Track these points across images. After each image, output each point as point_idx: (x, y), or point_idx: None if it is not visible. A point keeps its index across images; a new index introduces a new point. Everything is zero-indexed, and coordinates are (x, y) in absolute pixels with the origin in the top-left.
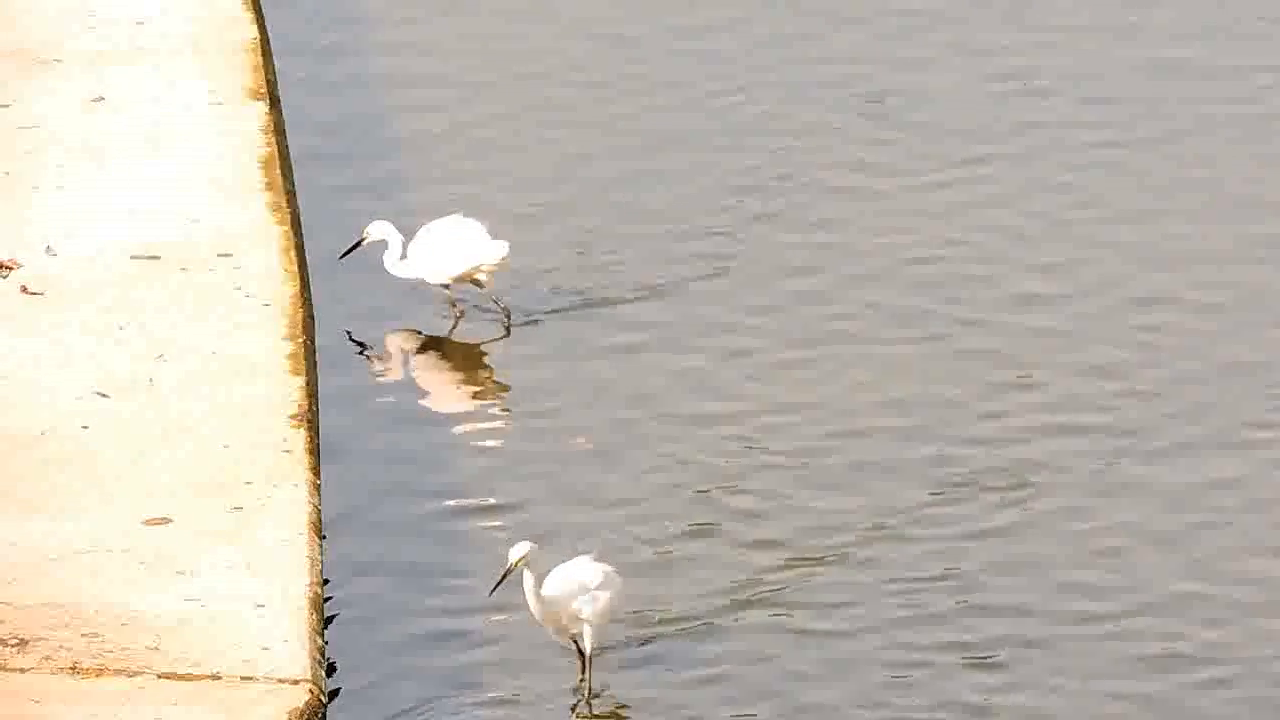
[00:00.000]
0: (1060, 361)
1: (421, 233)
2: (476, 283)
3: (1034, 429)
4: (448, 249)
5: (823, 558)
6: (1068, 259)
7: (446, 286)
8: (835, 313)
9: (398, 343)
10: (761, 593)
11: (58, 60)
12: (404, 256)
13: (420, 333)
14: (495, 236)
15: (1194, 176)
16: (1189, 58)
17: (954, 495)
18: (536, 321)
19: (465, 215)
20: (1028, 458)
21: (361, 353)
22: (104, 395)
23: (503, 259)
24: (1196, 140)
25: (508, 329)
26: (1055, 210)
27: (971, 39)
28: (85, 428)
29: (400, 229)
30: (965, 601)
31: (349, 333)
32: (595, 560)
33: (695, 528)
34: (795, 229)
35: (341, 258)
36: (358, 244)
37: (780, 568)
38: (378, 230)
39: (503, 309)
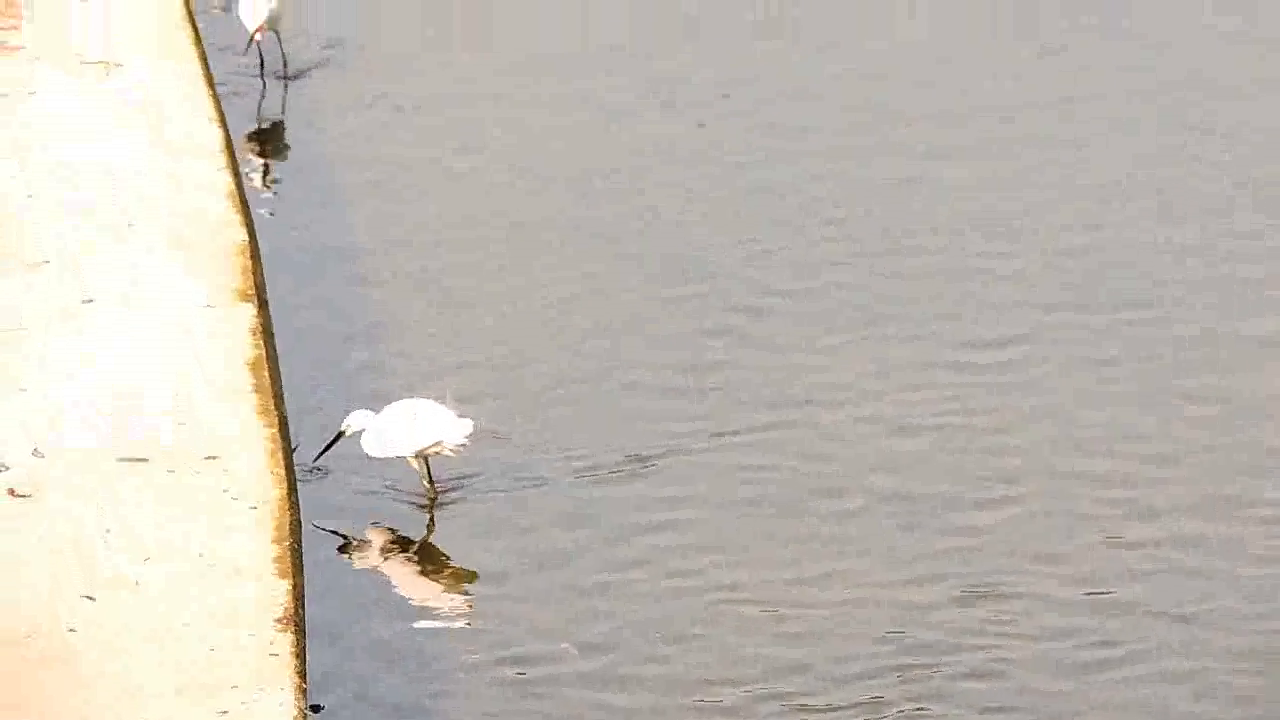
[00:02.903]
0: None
1: (388, 410)
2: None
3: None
4: (414, 426)
5: None
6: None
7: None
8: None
9: (379, 534)
10: None
11: (45, 262)
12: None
13: (401, 533)
14: (462, 416)
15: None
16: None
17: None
18: (526, 489)
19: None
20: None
21: (344, 548)
22: (90, 598)
23: (467, 437)
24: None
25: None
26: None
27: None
28: (71, 630)
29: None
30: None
31: (334, 531)
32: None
33: None
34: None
35: (318, 458)
36: (338, 437)
37: None
38: (358, 420)
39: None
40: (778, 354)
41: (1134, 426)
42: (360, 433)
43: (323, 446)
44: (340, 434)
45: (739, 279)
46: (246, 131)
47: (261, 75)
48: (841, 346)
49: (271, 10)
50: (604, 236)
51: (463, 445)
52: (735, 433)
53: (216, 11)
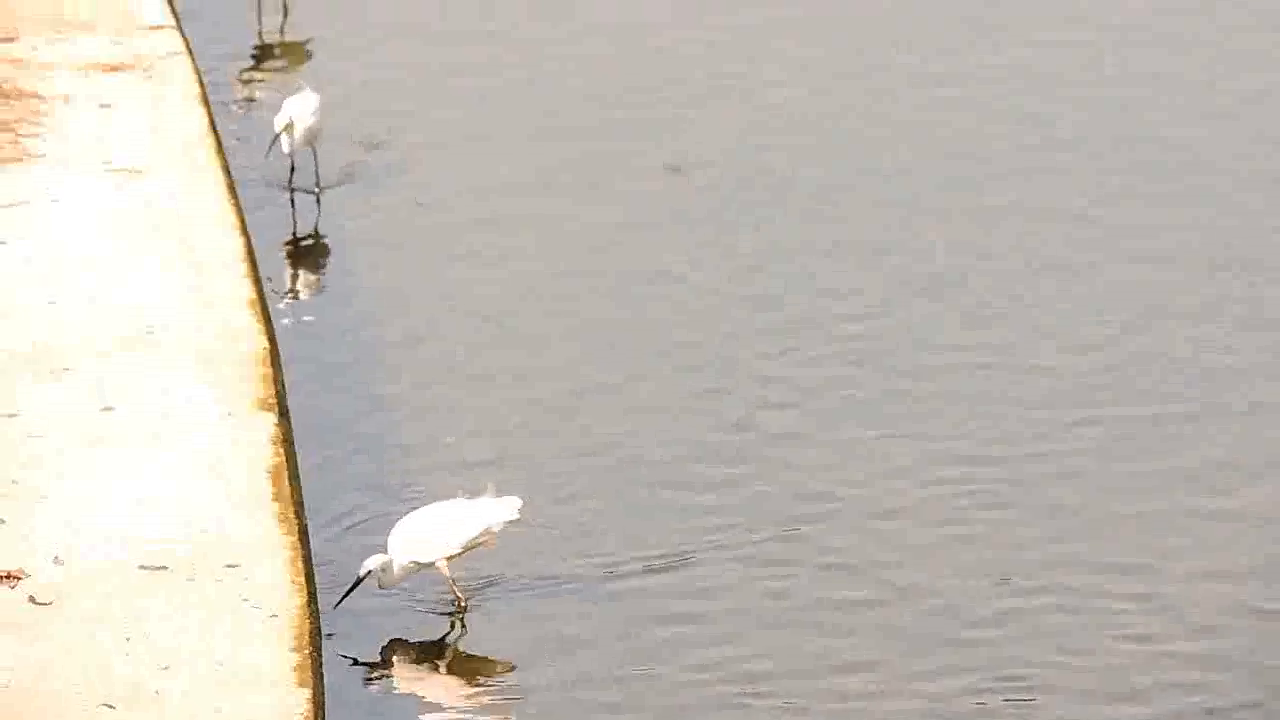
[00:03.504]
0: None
1: (420, 517)
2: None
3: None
4: (456, 523)
5: None
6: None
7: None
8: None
9: (399, 642)
10: None
11: (66, 369)
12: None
13: (422, 640)
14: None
15: None
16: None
17: None
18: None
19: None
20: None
21: (364, 656)
22: (110, 706)
23: (518, 511)
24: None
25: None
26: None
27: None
28: None
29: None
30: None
31: (353, 657)
32: None
33: None
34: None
35: (339, 603)
36: (358, 581)
37: None
38: (375, 563)
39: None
40: (797, 448)
41: (1158, 520)
42: (383, 571)
43: (344, 591)
44: (360, 578)
45: (759, 373)
46: (270, 240)
47: (289, 186)
48: (860, 441)
49: (309, 127)
50: (624, 330)
51: (513, 522)
52: (756, 527)
53: (237, 110)
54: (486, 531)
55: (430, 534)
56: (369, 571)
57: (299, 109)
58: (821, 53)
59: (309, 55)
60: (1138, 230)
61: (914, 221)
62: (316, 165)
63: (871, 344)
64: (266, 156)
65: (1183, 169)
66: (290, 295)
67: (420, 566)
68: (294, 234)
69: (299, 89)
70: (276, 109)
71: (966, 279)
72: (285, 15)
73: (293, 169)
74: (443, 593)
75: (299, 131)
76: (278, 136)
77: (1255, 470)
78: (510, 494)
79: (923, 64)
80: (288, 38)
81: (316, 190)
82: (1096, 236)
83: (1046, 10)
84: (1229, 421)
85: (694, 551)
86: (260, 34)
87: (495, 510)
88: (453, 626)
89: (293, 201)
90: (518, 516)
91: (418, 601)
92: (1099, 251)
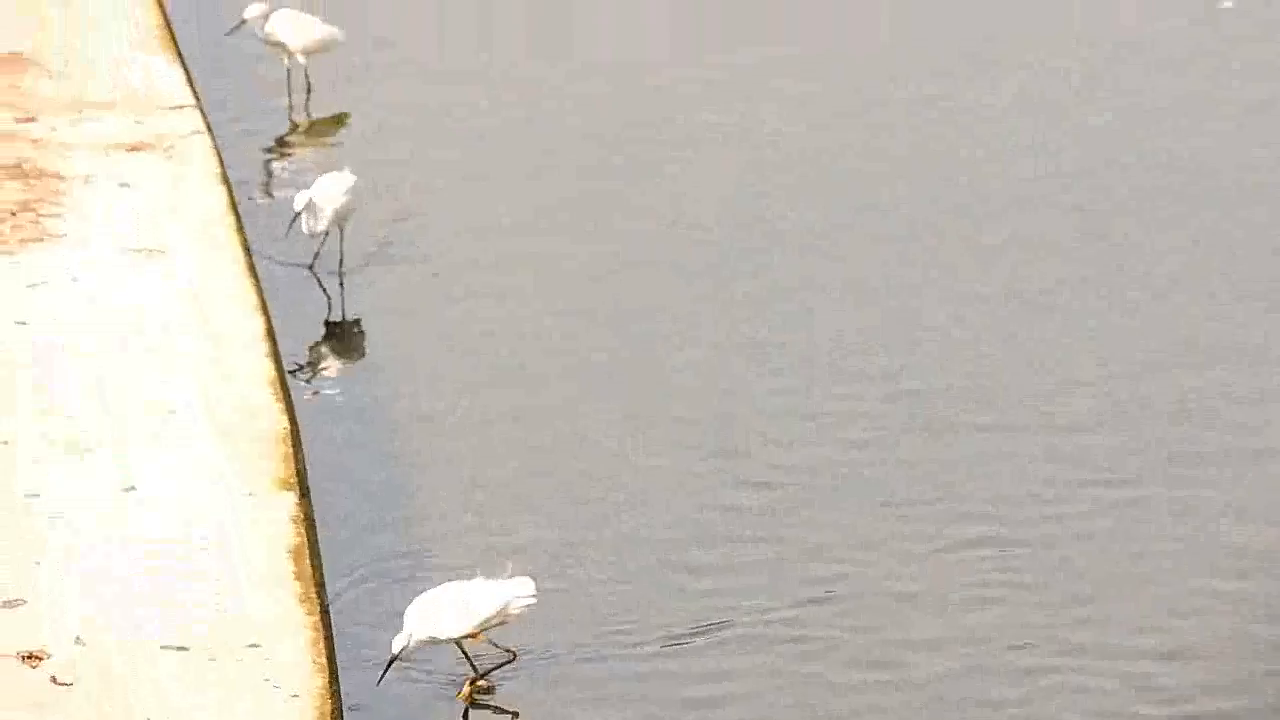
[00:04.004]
0: None
1: (437, 595)
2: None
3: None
4: (473, 602)
5: None
6: None
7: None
8: None
9: None
10: None
11: (87, 449)
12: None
13: (442, 717)
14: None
15: None
16: None
17: None
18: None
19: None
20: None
21: None
22: None
23: (532, 595)
24: None
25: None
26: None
27: None
28: None
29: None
30: None
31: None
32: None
33: None
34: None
35: (379, 681)
36: (392, 661)
37: None
38: (402, 641)
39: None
40: (807, 511)
41: (1177, 596)
42: (415, 647)
43: (381, 671)
44: (394, 657)
45: (763, 452)
46: (291, 318)
47: (311, 266)
48: (874, 521)
49: (337, 208)
50: (629, 385)
51: (529, 604)
52: (771, 607)
53: (261, 200)
54: (503, 611)
55: (447, 612)
56: (402, 649)
57: (325, 189)
58: (819, 89)
59: (333, 133)
60: (1140, 267)
61: (912, 258)
62: (342, 245)
63: (876, 389)
64: (286, 235)
65: (1185, 202)
66: (310, 372)
67: (438, 642)
68: (315, 311)
69: (332, 168)
70: (300, 187)
71: (964, 319)
72: (307, 96)
73: (317, 250)
74: (462, 668)
75: (327, 211)
76: (298, 215)
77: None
78: (529, 568)
79: (922, 99)
80: (313, 115)
81: (340, 271)
82: (1096, 273)
83: (1043, 42)
84: (1249, 468)
85: (709, 628)
86: (290, 112)
87: (510, 590)
88: (473, 702)
89: (320, 284)
90: (533, 598)
91: (438, 677)
92: (1101, 288)
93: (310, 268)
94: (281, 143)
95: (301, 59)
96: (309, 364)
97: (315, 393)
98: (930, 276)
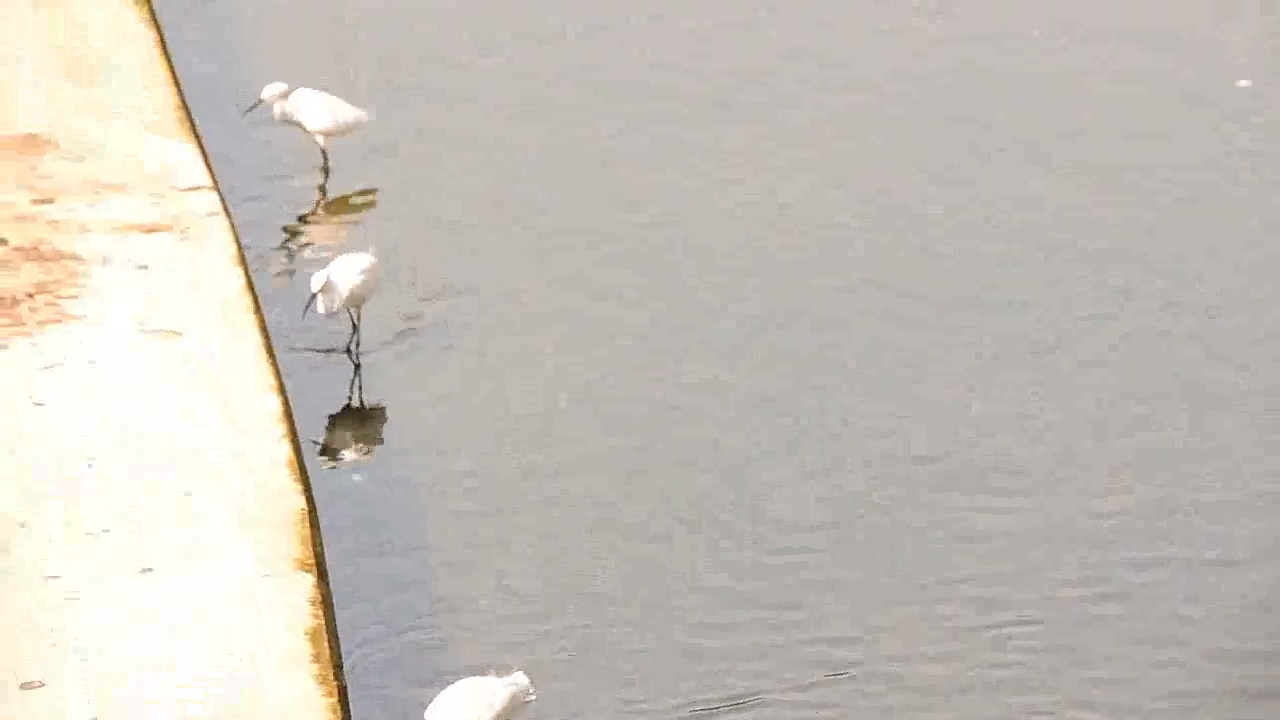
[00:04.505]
0: None
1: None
2: None
3: None
4: (485, 696)
5: None
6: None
7: None
8: None
9: None
10: None
11: (105, 530)
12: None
13: None
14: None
15: None
16: None
17: None
18: None
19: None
20: None
21: None
22: None
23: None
24: None
25: None
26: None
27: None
28: None
29: None
30: None
31: None
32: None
33: None
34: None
35: None
36: None
37: None
38: None
39: None
40: (830, 607)
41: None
42: None
43: None
44: None
45: (770, 535)
46: (308, 399)
47: (350, 349)
48: (895, 597)
49: (353, 289)
50: (644, 469)
51: (531, 697)
52: (791, 683)
53: (279, 281)
54: (514, 706)
55: (462, 708)
56: None
57: (341, 269)
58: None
59: (354, 213)
60: (1168, 370)
61: (928, 328)
62: (356, 326)
63: (900, 469)
64: (303, 317)
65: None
66: (328, 454)
67: None
68: (334, 392)
69: (352, 248)
70: (319, 267)
71: (971, 407)
72: (326, 176)
73: (354, 329)
74: None
75: (344, 291)
76: (314, 296)
77: None
78: (547, 653)
79: (928, 192)
80: (333, 194)
81: (358, 351)
82: (1124, 357)
83: (1046, 143)
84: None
85: (727, 707)
86: (313, 192)
87: (520, 687)
88: None
89: (341, 363)
90: (533, 695)
91: None
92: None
93: (330, 349)
94: (301, 223)
95: (321, 139)
96: (327, 445)
97: (333, 474)
98: (949, 346)
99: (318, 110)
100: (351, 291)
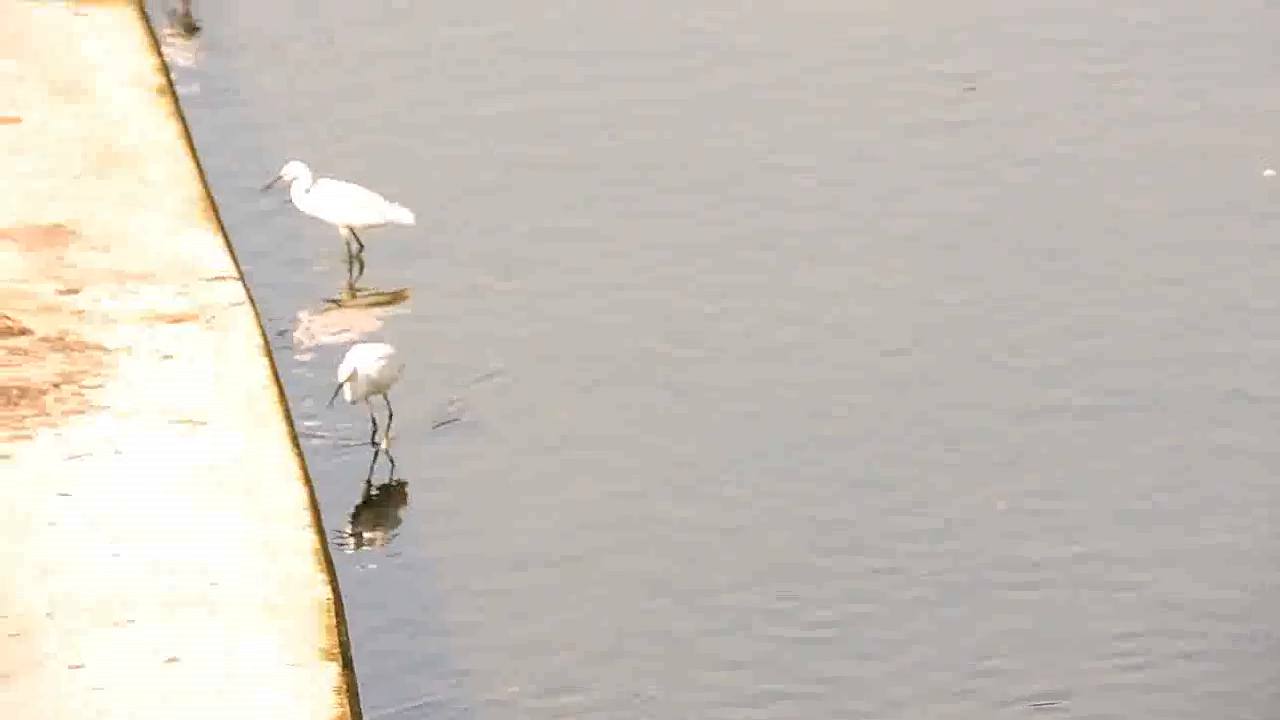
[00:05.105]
0: None
1: None
2: None
3: None
4: None
5: None
6: None
7: None
8: None
9: None
10: None
11: (131, 620)
12: None
13: None
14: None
15: None
16: None
17: None
18: None
19: None
20: None
21: None
22: None
23: None
24: None
25: None
26: None
27: None
28: None
29: None
30: None
31: None
32: None
33: None
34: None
35: None
36: None
37: None
38: None
39: None
40: (837, 661)
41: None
42: None
43: None
44: None
45: (778, 609)
46: (334, 488)
47: (374, 439)
48: (922, 676)
49: (373, 378)
50: (693, 586)
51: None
52: None
53: (305, 370)
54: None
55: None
56: None
57: (365, 358)
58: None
59: (380, 302)
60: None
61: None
62: (374, 415)
63: (922, 545)
64: (330, 406)
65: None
66: (354, 542)
67: None
68: (359, 481)
69: (379, 337)
70: (345, 357)
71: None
72: (359, 269)
73: (385, 416)
74: None
75: (368, 380)
76: (341, 386)
77: None
78: None
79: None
80: (360, 284)
81: (384, 439)
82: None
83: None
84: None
85: None
86: (350, 285)
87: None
88: None
89: (379, 449)
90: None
91: None
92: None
93: (357, 439)
94: (327, 312)
95: (344, 231)
96: (353, 533)
97: (359, 563)
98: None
99: (342, 205)
100: (373, 380)
